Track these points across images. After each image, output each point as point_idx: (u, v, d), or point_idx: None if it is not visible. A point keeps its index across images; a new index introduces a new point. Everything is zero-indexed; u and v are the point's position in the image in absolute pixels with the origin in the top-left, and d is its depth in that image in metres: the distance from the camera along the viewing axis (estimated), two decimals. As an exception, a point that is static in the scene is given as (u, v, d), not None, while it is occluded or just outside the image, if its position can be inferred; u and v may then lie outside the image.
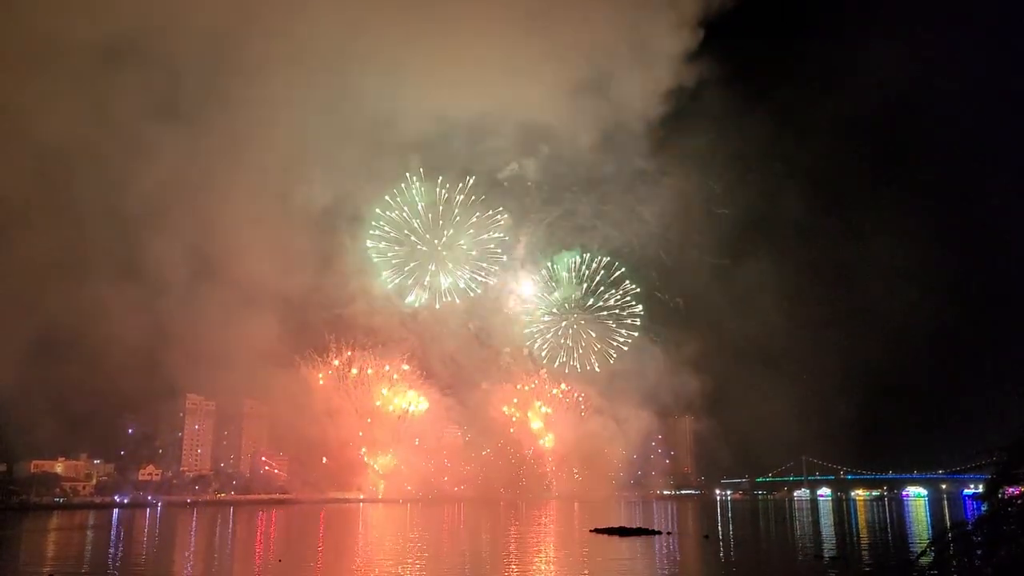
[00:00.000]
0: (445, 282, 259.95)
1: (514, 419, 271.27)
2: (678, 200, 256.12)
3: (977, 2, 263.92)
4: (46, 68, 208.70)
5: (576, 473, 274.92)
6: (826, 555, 68.20)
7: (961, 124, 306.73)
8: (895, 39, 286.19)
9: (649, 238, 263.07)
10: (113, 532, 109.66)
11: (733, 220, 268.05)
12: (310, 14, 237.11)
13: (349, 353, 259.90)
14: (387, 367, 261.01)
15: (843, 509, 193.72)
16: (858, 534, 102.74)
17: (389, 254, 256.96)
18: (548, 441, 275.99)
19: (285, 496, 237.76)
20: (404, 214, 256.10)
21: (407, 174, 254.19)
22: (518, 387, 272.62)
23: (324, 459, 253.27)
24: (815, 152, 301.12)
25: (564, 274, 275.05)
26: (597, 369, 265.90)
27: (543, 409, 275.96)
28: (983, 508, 16.26)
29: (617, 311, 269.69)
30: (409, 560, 68.24)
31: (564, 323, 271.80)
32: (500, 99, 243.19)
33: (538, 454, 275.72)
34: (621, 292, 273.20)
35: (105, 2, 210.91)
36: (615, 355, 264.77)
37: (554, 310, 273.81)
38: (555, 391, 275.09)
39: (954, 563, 15.54)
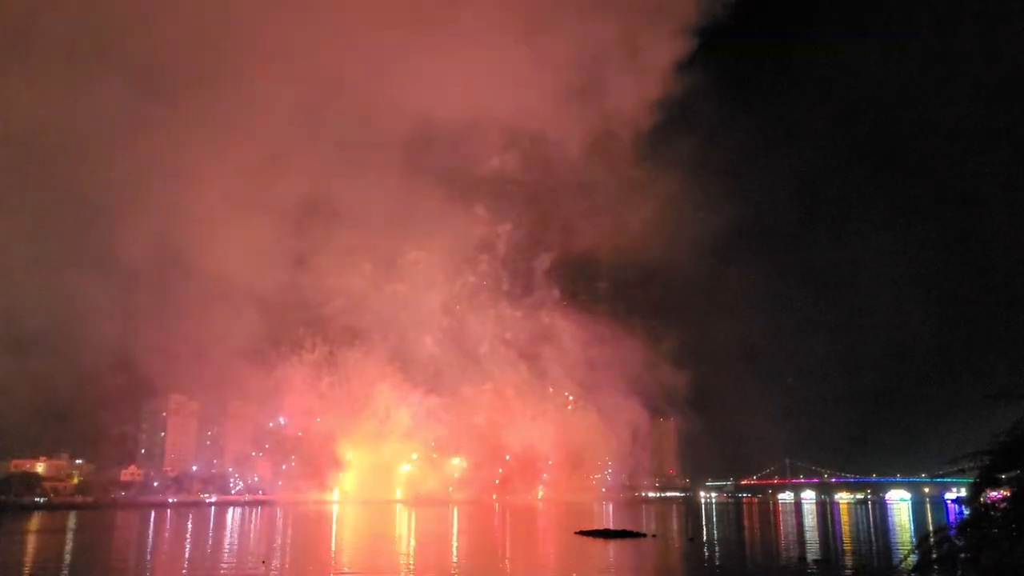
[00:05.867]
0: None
1: (496, 421, 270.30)
2: (665, 203, 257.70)
3: (971, 6, 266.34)
4: (21, 58, 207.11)
5: (561, 475, 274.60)
6: (810, 558, 68.40)
7: (953, 130, 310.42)
8: (890, 44, 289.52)
9: (632, 237, 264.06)
10: (95, 534, 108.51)
11: (722, 224, 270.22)
12: (301, 11, 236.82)
13: (328, 351, 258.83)
14: (366, 366, 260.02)
15: (827, 512, 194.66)
16: (842, 538, 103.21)
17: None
18: (533, 442, 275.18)
19: (265, 497, 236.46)
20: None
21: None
22: (498, 386, 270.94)
23: (294, 458, 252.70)
24: (807, 157, 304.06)
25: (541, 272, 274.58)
26: (575, 362, 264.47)
27: (525, 409, 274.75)
28: (966, 512, 16.23)
29: (591, 305, 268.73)
30: (390, 563, 67.92)
31: (539, 318, 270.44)
32: (488, 102, 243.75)
33: (523, 456, 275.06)
34: (598, 286, 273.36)
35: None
36: (592, 346, 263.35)
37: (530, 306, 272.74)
38: (536, 389, 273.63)
39: (937, 567, 15.49)
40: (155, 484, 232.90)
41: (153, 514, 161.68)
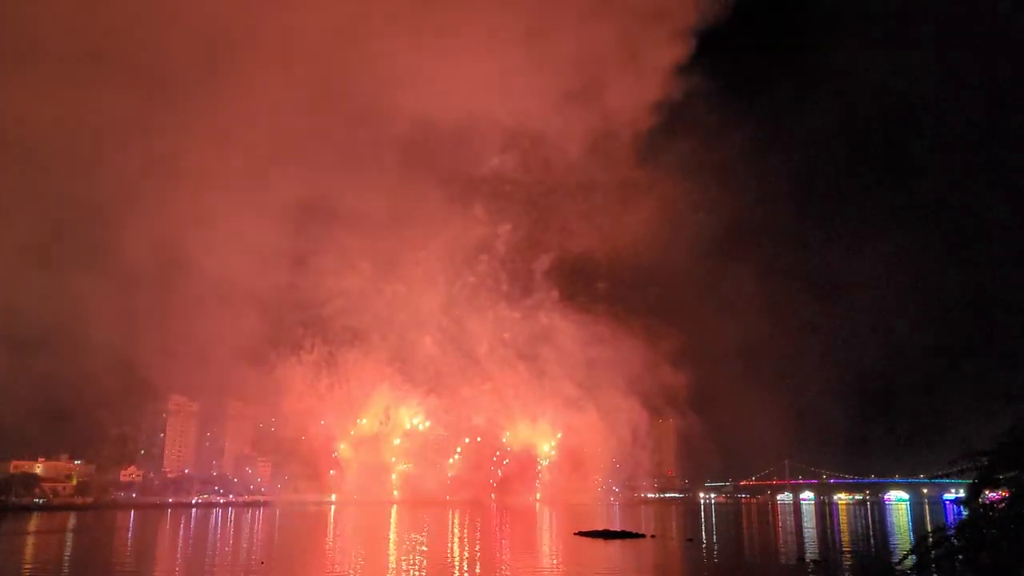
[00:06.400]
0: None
1: (496, 421, 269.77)
2: (664, 204, 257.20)
3: (972, 7, 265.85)
4: (22, 61, 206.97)
5: (561, 476, 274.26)
6: (808, 559, 68.49)
7: (953, 132, 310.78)
8: (890, 47, 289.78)
9: (631, 238, 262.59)
10: (94, 535, 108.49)
11: (721, 224, 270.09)
12: (302, 13, 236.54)
13: (328, 352, 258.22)
14: (366, 366, 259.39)
15: (825, 513, 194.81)
16: (840, 538, 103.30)
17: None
18: (532, 442, 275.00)
19: (263, 498, 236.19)
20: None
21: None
22: (498, 387, 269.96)
23: (293, 461, 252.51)
24: (806, 158, 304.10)
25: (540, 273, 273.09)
26: (575, 362, 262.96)
27: (525, 409, 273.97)
28: (964, 513, 16.35)
29: (590, 306, 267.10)
30: (389, 564, 67.94)
31: (537, 319, 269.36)
32: (488, 103, 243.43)
33: (522, 456, 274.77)
34: (597, 287, 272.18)
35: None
36: (591, 346, 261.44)
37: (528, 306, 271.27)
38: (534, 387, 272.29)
39: (935, 567, 15.60)
40: (154, 485, 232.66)
41: (152, 515, 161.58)
